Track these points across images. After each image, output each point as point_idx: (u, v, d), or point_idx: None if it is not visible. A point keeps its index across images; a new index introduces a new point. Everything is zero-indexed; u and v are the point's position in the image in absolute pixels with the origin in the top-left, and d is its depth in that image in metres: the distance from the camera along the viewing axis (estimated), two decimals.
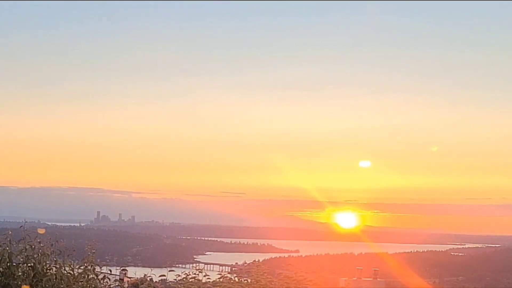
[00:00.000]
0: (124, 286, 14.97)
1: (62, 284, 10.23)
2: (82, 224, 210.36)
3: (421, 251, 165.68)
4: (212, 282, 12.05)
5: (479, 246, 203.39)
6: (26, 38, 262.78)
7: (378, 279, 22.78)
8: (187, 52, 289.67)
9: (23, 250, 10.24)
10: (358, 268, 21.47)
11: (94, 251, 10.69)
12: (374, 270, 23.09)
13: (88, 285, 10.56)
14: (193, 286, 11.75)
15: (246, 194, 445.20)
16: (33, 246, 10.28)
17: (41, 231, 10.40)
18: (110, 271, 11.46)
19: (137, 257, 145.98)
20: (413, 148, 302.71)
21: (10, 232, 10.31)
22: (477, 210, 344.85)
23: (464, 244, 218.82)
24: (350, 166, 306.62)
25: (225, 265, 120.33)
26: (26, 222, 10.56)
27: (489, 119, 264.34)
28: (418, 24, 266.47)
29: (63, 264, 10.38)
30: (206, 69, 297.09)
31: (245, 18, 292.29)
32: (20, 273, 10.14)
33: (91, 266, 10.63)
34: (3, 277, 10.09)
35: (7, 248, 10.17)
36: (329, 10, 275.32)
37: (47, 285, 10.09)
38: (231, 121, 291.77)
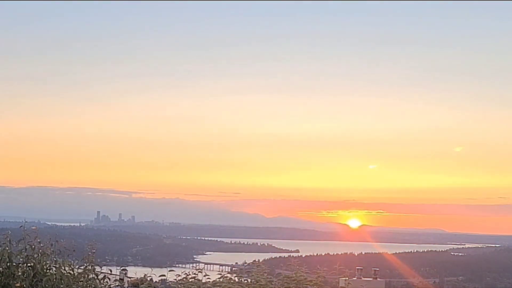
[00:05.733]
0: (124, 286, 14.96)
1: (62, 284, 10.22)
2: (82, 224, 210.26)
3: (421, 251, 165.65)
4: (212, 282, 12.02)
5: (479, 246, 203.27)
6: (26, 36, 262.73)
7: (378, 279, 22.78)
8: (187, 52, 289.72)
9: (23, 250, 10.23)
10: (358, 268, 21.47)
11: (94, 250, 10.68)
12: (374, 270, 23.08)
13: (88, 285, 10.55)
14: (193, 286, 11.73)
15: (242, 194, 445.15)
16: (33, 246, 10.27)
17: (33, 228, 10.45)
18: (110, 271, 11.44)
19: (137, 257, 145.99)
20: (415, 148, 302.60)
21: (9, 232, 10.31)
22: (477, 210, 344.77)
23: (464, 244, 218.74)
24: (354, 166, 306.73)
25: (225, 265, 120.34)
26: (26, 222, 10.56)
27: (490, 120, 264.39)
28: (430, 21, 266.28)
29: (63, 264, 10.37)
30: (206, 70, 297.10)
31: (250, 18, 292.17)
32: (20, 273, 10.14)
33: (91, 266, 10.62)
34: (3, 277, 10.09)
35: (7, 248, 10.16)
36: (335, 9, 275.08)
37: (47, 285, 10.08)
38: (231, 121, 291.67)
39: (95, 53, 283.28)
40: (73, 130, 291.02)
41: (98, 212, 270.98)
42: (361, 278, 21.35)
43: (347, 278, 12.99)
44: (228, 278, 12.18)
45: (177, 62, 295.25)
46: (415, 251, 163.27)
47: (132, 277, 16.58)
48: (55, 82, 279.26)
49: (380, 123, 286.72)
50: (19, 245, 10.25)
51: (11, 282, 10.01)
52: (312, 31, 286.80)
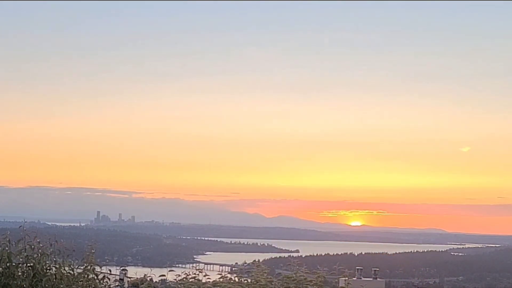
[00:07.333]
0: (124, 286, 14.95)
1: (62, 284, 10.21)
2: (82, 224, 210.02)
3: (421, 251, 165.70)
4: (212, 282, 12.01)
5: (479, 246, 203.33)
6: (25, 37, 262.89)
7: (378, 279, 22.78)
8: (186, 52, 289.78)
9: (22, 250, 10.22)
10: (358, 268, 21.45)
11: (93, 251, 10.67)
12: (374, 270, 23.08)
13: (88, 285, 10.54)
14: (193, 286, 11.71)
15: (242, 194, 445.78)
16: (32, 246, 10.27)
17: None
18: (110, 271, 11.43)
19: (137, 257, 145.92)
20: (415, 148, 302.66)
21: (9, 232, 10.30)
22: (477, 210, 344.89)
23: (464, 244, 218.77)
24: (354, 166, 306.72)
25: (225, 265, 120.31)
26: (26, 222, 10.55)
27: (490, 120, 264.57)
28: (431, 23, 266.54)
29: (62, 264, 10.36)
30: (205, 70, 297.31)
31: (251, 21, 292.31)
32: (19, 273, 10.13)
33: (91, 266, 10.61)
34: (2, 277, 10.08)
35: (7, 248, 10.16)
36: (336, 9, 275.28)
37: (47, 285, 10.08)
38: (231, 122, 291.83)
39: (95, 56, 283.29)
40: (73, 130, 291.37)
41: (98, 212, 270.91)
42: (361, 278, 21.34)
43: (347, 278, 12.96)
44: (228, 278, 12.16)
45: (176, 64, 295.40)
46: (415, 251, 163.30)
47: (132, 277, 16.55)
48: (54, 84, 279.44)
49: (380, 123, 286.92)
50: (19, 245, 10.25)
51: (11, 282, 10.01)
52: (313, 33, 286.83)
